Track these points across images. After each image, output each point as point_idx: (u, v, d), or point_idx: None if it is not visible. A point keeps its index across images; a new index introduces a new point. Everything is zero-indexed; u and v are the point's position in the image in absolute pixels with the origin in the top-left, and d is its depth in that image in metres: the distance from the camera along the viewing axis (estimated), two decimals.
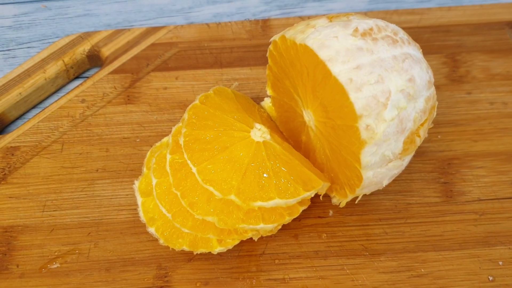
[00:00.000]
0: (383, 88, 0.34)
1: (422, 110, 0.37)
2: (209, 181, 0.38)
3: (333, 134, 0.37)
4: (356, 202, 0.42)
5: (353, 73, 0.34)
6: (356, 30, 0.36)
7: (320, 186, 0.39)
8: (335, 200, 0.42)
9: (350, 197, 0.40)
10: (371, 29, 0.36)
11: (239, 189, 0.37)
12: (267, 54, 0.43)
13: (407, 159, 0.38)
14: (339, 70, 0.34)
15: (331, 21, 0.38)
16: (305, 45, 0.36)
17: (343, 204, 0.42)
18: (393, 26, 0.38)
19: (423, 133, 0.38)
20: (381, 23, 0.37)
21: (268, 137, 0.41)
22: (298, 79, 0.39)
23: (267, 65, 0.44)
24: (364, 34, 0.36)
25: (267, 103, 0.48)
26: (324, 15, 0.41)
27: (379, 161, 0.36)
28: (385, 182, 0.38)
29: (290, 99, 0.43)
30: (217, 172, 0.38)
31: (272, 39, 0.41)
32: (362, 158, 0.35)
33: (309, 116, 0.40)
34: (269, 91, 0.46)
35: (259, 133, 0.41)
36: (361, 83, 0.34)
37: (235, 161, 0.39)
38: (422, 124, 0.37)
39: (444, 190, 0.45)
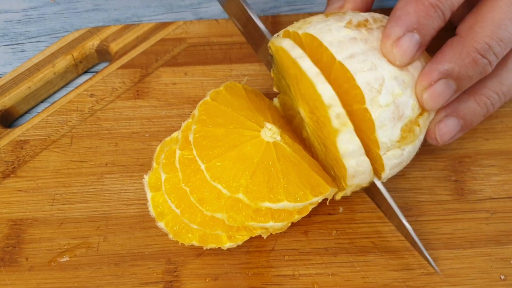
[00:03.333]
0: (376, 75, 0.34)
1: None
2: (217, 178, 0.37)
3: (318, 128, 0.38)
4: (349, 194, 0.41)
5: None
6: (350, 22, 0.36)
7: (328, 192, 0.39)
8: (336, 196, 0.42)
9: (348, 189, 0.39)
10: (366, 20, 0.36)
11: (247, 188, 0.37)
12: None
13: (408, 149, 0.37)
14: (309, 64, 0.34)
15: (327, 16, 0.38)
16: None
17: (338, 197, 0.40)
18: None
19: (423, 123, 0.37)
20: (378, 15, 0.38)
21: (278, 138, 0.40)
22: (289, 78, 0.39)
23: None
24: (358, 25, 0.36)
25: (275, 102, 0.48)
26: (322, 12, 0.41)
27: (359, 148, 0.35)
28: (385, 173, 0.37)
29: (288, 97, 0.43)
30: (226, 170, 0.38)
31: (269, 44, 0.40)
32: (339, 146, 0.35)
33: (302, 113, 0.40)
34: (276, 90, 0.46)
35: (270, 133, 0.41)
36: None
37: (245, 160, 0.38)
38: (421, 114, 0.37)
39: (455, 188, 0.44)
